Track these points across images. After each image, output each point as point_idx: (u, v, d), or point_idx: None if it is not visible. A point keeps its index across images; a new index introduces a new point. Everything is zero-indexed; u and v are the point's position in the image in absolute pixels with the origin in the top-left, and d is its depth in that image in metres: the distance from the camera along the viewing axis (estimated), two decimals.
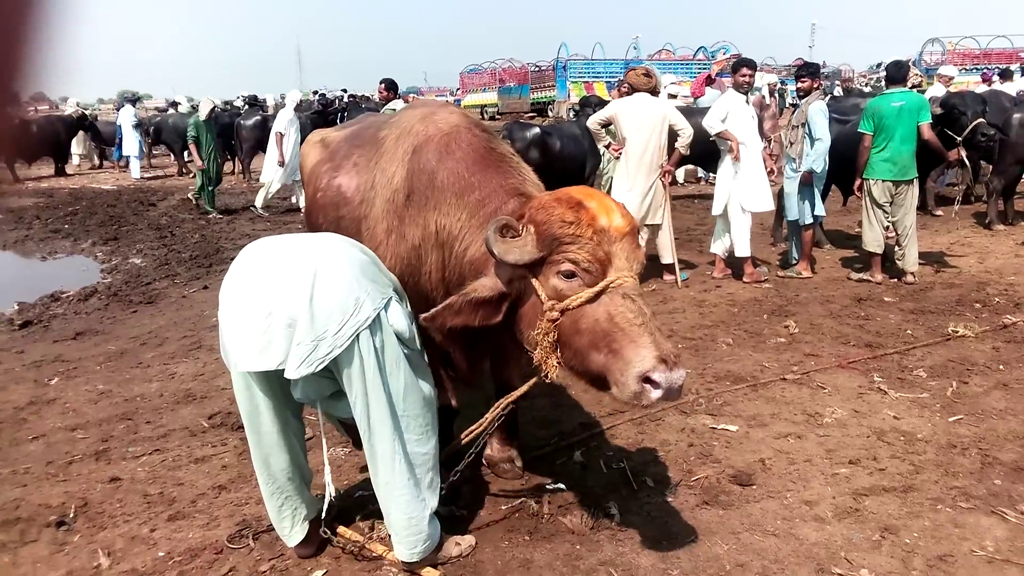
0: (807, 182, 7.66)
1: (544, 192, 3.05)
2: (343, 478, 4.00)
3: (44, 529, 3.59)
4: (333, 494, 3.22)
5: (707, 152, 9.21)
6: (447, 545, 3.20)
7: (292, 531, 3.21)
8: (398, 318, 2.88)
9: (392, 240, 3.34)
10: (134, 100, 20.88)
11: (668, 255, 7.81)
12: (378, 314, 2.79)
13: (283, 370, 2.75)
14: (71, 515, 3.69)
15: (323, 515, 3.23)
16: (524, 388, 3.22)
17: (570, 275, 2.66)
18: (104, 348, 6.38)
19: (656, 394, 2.48)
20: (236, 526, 3.53)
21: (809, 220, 7.82)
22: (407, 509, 3.00)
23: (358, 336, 2.74)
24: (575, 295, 2.65)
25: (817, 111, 7.53)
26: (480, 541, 3.34)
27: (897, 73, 7.58)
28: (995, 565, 3.09)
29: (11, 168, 19.24)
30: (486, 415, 3.38)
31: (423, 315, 2.91)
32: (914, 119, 7.19)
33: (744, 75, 7.55)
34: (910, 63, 10.82)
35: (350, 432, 3.76)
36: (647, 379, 2.47)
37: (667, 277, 7.90)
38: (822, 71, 18.79)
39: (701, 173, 15.07)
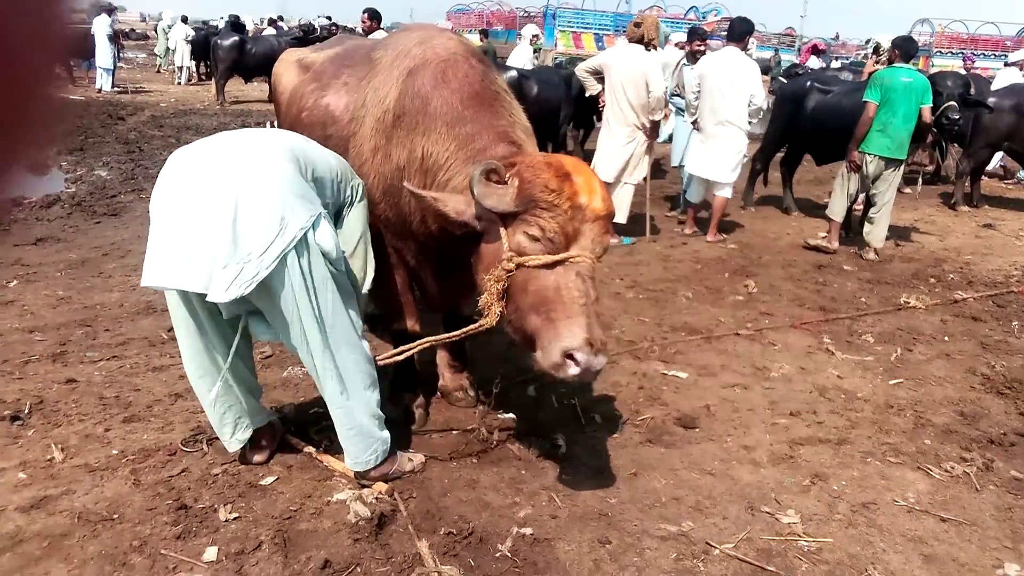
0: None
1: (536, 152, 3.09)
2: (299, 395, 4.07)
3: None
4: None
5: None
6: (400, 460, 3.29)
7: (232, 437, 3.21)
8: (325, 238, 2.82)
9: (378, 159, 3.37)
10: (110, 10, 20.14)
11: (623, 215, 7.40)
12: (305, 234, 2.73)
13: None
14: (26, 411, 3.72)
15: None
16: (458, 333, 3.21)
17: (535, 239, 2.75)
18: (65, 256, 6.31)
19: (573, 371, 2.64)
20: (191, 431, 3.59)
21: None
22: (345, 421, 3.08)
23: (285, 257, 2.69)
24: (535, 256, 2.74)
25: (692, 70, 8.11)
26: (430, 461, 3.44)
27: (909, 49, 7.54)
28: (914, 515, 3.28)
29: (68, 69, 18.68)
30: (417, 342, 3.42)
31: (408, 185, 3.04)
32: (918, 100, 7.06)
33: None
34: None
35: None
36: (570, 355, 2.61)
37: (612, 239, 7.58)
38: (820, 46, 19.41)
39: None
